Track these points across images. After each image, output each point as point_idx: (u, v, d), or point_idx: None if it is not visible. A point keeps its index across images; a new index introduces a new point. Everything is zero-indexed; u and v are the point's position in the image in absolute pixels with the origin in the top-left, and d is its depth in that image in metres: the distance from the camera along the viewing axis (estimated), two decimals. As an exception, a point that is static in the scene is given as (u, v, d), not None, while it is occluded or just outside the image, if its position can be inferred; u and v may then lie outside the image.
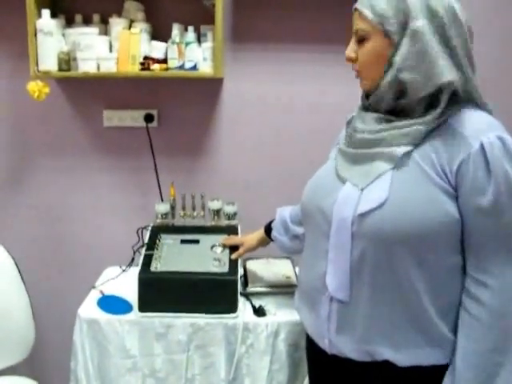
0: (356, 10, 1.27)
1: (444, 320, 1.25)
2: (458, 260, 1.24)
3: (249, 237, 1.93)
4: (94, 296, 1.95)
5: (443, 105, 1.21)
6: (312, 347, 1.46)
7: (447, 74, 1.18)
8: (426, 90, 1.21)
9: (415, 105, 1.24)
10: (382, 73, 1.25)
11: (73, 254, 2.42)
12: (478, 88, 1.25)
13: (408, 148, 1.22)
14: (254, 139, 2.33)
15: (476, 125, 1.20)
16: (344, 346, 1.31)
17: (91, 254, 2.40)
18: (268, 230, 1.86)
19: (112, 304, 1.88)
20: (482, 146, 1.15)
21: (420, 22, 1.18)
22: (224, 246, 1.93)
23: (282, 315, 1.82)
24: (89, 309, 1.87)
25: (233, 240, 1.95)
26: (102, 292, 1.96)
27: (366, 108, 1.35)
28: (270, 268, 2.06)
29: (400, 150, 1.22)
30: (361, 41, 1.26)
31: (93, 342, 1.83)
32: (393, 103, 1.27)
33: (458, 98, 1.23)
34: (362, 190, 1.25)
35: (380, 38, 1.23)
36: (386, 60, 1.24)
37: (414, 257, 1.21)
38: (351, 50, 1.28)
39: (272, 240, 1.85)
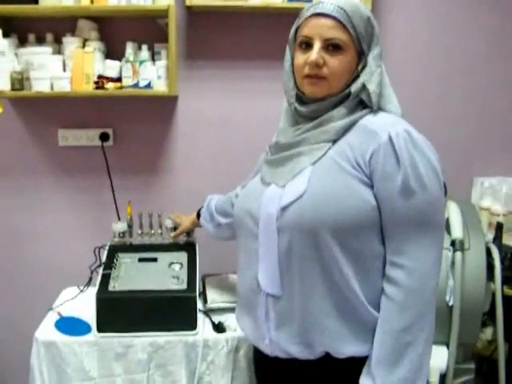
0: (329, 17, 1.28)
1: (376, 309, 1.29)
2: (381, 249, 1.29)
3: (185, 218, 2.05)
4: (51, 318, 1.92)
5: (352, 104, 1.33)
6: (257, 356, 1.51)
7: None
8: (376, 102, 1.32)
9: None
10: (345, 83, 1.32)
11: (29, 275, 2.39)
12: (391, 98, 1.36)
13: (327, 145, 1.31)
14: (209, 156, 2.35)
15: (384, 121, 1.30)
16: (284, 341, 1.34)
17: (48, 275, 2.36)
18: (200, 214, 1.98)
19: (70, 325, 1.86)
20: (390, 137, 1.24)
21: (379, 48, 1.34)
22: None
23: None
24: (46, 331, 1.84)
25: (176, 217, 2.07)
26: (59, 313, 1.93)
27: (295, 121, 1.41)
28: (228, 284, 2.07)
29: (321, 147, 1.31)
30: (335, 49, 1.29)
31: (51, 365, 1.80)
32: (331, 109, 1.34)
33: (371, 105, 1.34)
34: (283, 186, 1.32)
35: (354, 52, 1.31)
36: (353, 73, 1.32)
37: (338, 244, 1.26)
38: (320, 56, 1.29)
39: None
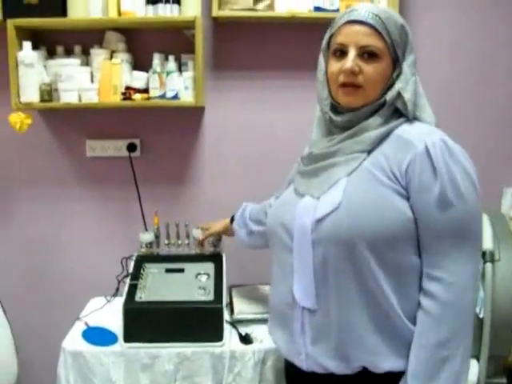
0: (365, 24, 1.27)
1: (413, 323, 1.26)
2: (418, 262, 1.27)
3: (217, 222, 2.03)
4: (78, 328, 1.92)
5: (387, 113, 1.31)
6: (290, 370, 1.47)
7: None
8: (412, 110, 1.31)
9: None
10: (380, 92, 1.31)
11: (57, 285, 2.40)
12: (426, 108, 1.35)
13: (363, 155, 1.29)
14: (236, 166, 2.35)
15: (419, 130, 1.28)
16: (321, 356, 1.32)
17: (76, 285, 2.38)
18: (233, 220, 1.96)
19: (97, 335, 1.86)
20: (426, 147, 1.23)
21: (413, 55, 1.33)
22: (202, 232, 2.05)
23: (268, 342, 1.79)
24: (73, 341, 1.84)
25: (205, 224, 2.06)
26: (86, 323, 1.94)
27: (329, 131, 1.40)
28: (255, 295, 2.05)
29: (356, 157, 1.29)
30: (371, 57, 1.28)
31: (78, 374, 1.80)
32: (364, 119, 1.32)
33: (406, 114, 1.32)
34: (318, 198, 1.31)
35: (389, 60, 1.30)
36: (388, 81, 1.31)
37: (374, 257, 1.24)
38: (355, 63, 1.27)
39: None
